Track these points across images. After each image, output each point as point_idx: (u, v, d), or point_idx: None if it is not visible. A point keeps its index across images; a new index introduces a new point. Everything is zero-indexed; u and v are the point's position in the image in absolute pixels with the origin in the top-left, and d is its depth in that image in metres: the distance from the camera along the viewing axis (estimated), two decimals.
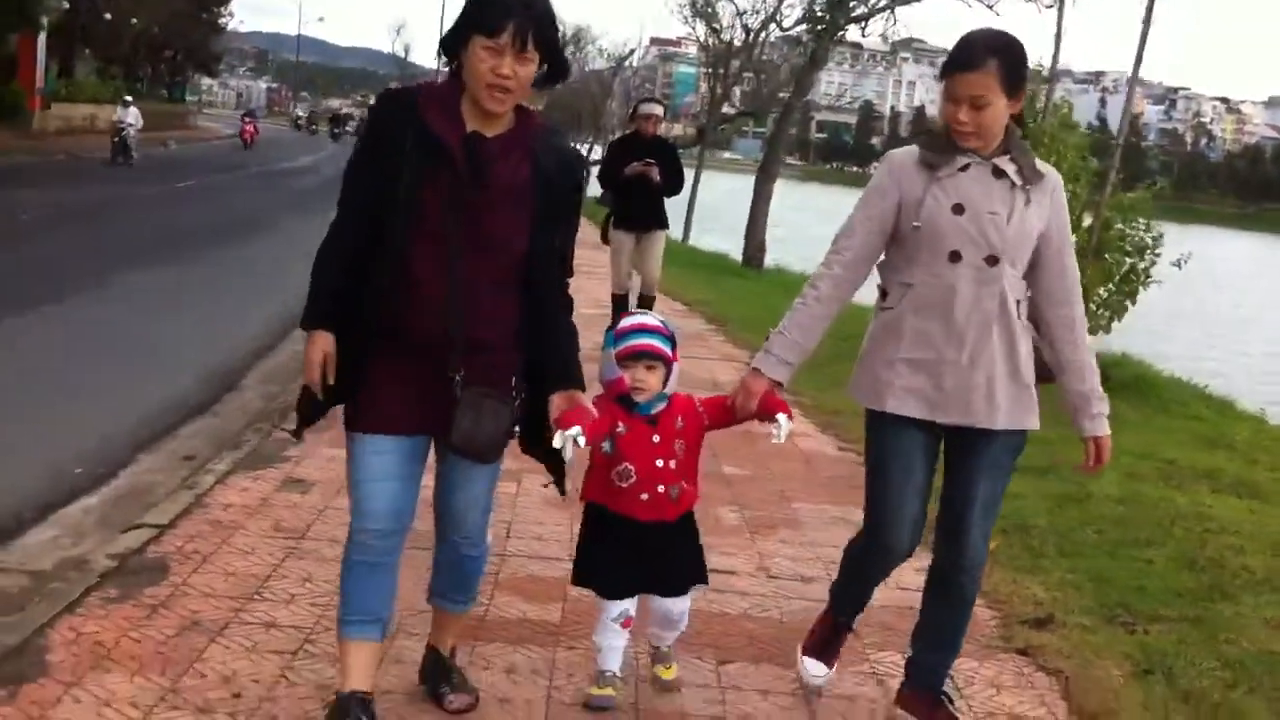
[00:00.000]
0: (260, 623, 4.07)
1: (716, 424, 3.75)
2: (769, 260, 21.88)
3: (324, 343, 3.19)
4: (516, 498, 5.63)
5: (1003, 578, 5.13)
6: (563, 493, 3.53)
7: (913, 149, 3.67)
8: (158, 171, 29.54)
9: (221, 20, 76.63)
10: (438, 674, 3.63)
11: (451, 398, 3.14)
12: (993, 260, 3.49)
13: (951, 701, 3.84)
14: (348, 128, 64.84)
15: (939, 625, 3.77)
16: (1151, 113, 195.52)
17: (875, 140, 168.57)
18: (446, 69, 3.26)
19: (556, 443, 3.20)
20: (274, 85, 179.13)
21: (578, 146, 60.93)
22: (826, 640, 3.98)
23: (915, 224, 3.52)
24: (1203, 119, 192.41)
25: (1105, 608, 4.92)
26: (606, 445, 3.57)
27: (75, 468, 6.07)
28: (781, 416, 3.59)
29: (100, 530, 5.16)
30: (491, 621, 4.29)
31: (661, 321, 3.73)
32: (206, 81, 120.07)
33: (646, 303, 9.94)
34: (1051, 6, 18.55)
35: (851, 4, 21.26)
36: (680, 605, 3.77)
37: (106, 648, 3.78)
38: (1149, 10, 11.36)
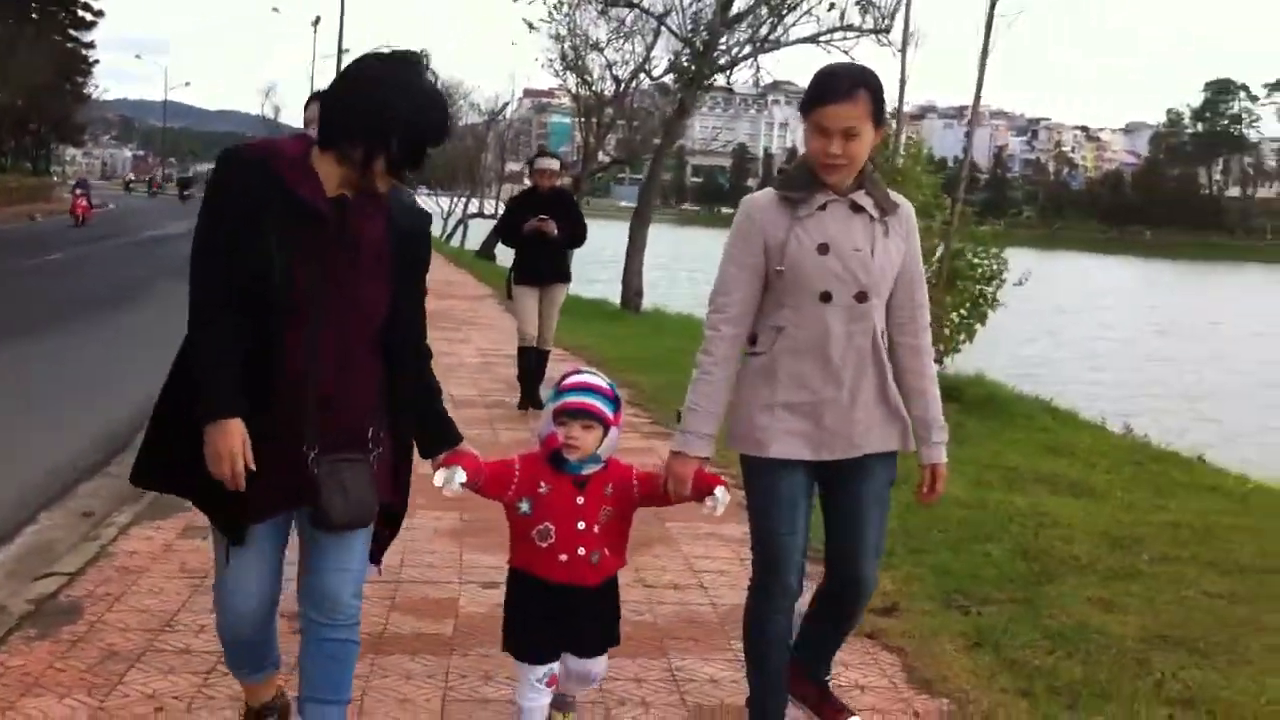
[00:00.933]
0: (175, 650, 4.43)
1: (650, 502, 3.68)
2: (646, 303, 22.48)
3: (239, 429, 2.97)
4: (406, 530, 6.01)
5: None
6: (376, 563, 3.43)
7: (769, 191, 3.66)
8: (32, 244, 29.23)
9: (86, 90, 75.79)
10: None
11: (308, 473, 3.05)
12: (862, 297, 3.53)
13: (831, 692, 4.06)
14: (190, 190, 62.84)
15: (825, 640, 3.95)
16: (1015, 144, 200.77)
17: (751, 181, 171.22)
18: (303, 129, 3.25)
19: (438, 480, 3.29)
20: (140, 152, 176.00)
21: (456, 200, 60.79)
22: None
23: (779, 267, 3.53)
24: (1064, 148, 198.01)
25: (945, 594, 5.49)
26: (524, 506, 3.52)
27: None
28: (719, 490, 3.57)
29: (11, 581, 5.45)
30: (389, 638, 4.69)
31: (609, 385, 3.62)
32: (70, 151, 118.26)
33: (541, 356, 10.22)
34: (901, 51, 19.50)
35: (715, 54, 22.00)
36: (596, 667, 3.75)
37: (34, 676, 4.13)
38: (985, 43, 12.21)
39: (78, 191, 42.59)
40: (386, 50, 3.09)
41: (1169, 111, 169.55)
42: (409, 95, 3.02)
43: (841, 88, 3.45)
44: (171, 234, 36.35)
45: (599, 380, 3.61)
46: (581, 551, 3.52)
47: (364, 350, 3.13)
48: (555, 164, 10.41)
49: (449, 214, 56.11)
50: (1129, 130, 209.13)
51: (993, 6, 11.88)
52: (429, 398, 3.37)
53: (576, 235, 10.10)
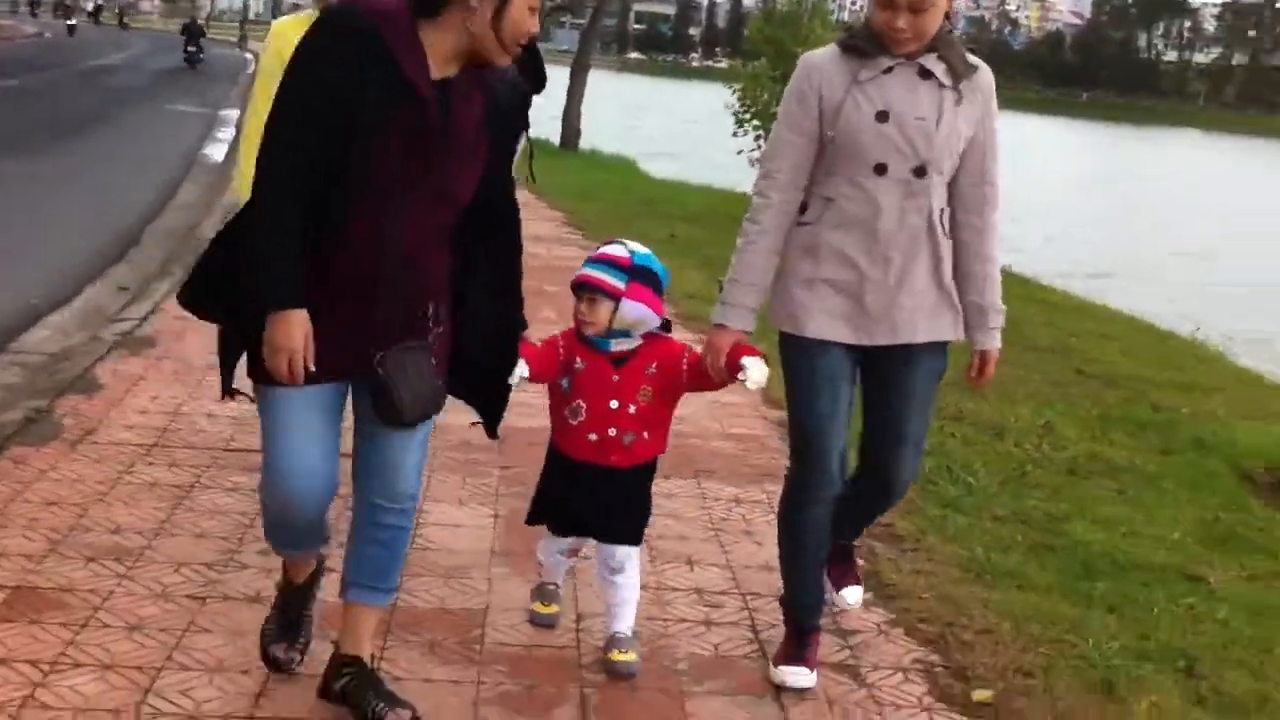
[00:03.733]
0: None
1: (695, 386, 3.48)
2: (584, 143, 23.87)
3: (302, 321, 2.71)
4: None
5: None
6: (493, 435, 3.17)
7: (831, 49, 3.38)
8: None
9: None
10: (365, 687, 3.05)
11: (369, 356, 2.80)
12: (921, 171, 3.26)
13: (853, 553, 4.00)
14: (199, 48, 38.73)
15: (849, 512, 3.66)
16: (959, 1, 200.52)
17: (693, 30, 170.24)
18: None
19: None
20: None
21: None
22: (800, 646, 3.54)
23: (830, 132, 3.29)
24: (1008, 7, 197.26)
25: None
26: (565, 382, 3.40)
27: (33, 299, 7.79)
28: (747, 359, 3.29)
29: (89, 324, 7.10)
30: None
31: (629, 253, 3.39)
32: None
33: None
34: None
35: None
36: (616, 555, 3.49)
37: (137, 375, 5.83)
38: None
39: None
40: None
41: None
42: None
43: None
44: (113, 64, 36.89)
45: (616, 250, 3.41)
46: (613, 432, 3.38)
47: (444, 233, 2.90)
48: None
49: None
50: None
51: None
52: (519, 283, 3.13)
53: (540, 82, 11.21)
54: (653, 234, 11.74)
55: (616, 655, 3.46)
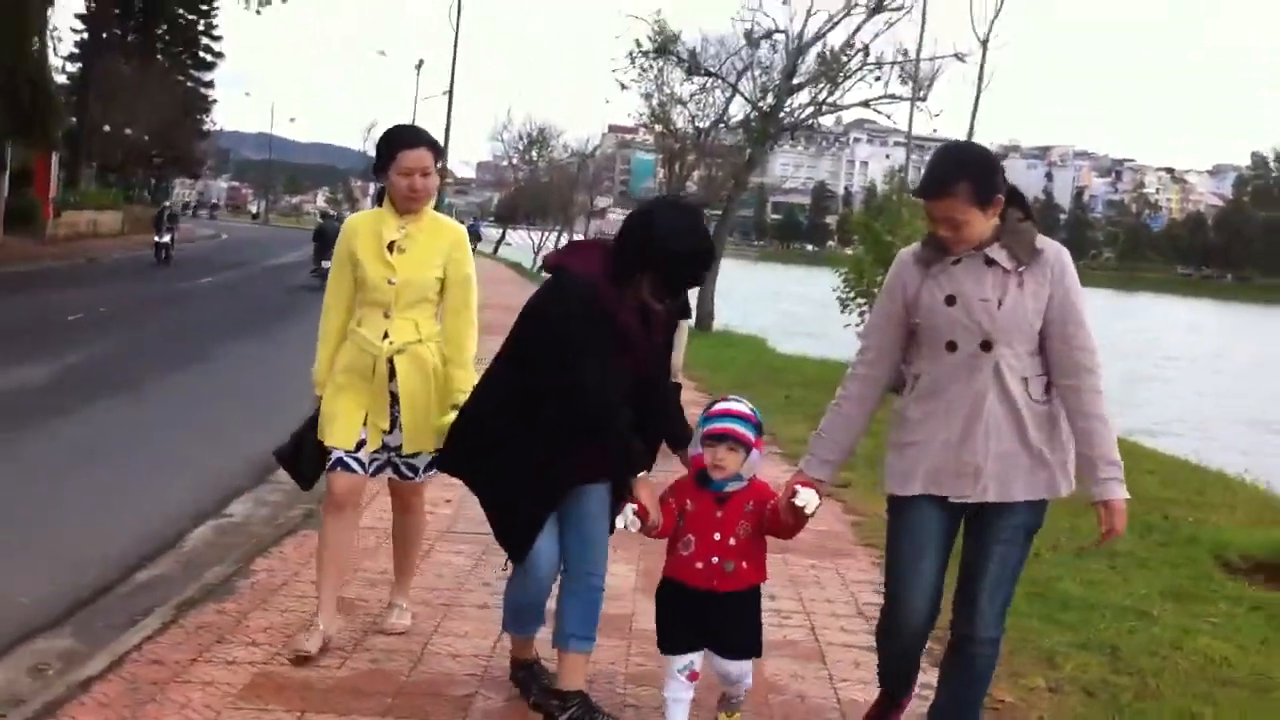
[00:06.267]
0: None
1: (771, 529, 3.98)
2: (716, 324, 26.11)
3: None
4: None
5: None
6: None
7: (915, 246, 3.90)
8: (178, 271, 33.15)
9: (204, 126, 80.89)
10: (589, 710, 4.17)
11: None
12: (987, 346, 3.67)
13: None
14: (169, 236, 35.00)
15: (952, 696, 3.98)
16: (1098, 185, 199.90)
17: (829, 219, 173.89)
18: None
19: (619, 522, 3.98)
20: (234, 183, 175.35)
21: (547, 234, 63.52)
22: (880, 715, 4.23)
23: (915, 320, 3.79)
24: (1148, 189, 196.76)
25: None
26: (681, 521, 4.01)
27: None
28: (799, 488, 3.84)
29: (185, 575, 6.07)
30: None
31: (751, 410, 3.98)
32: (180, 181, 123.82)
33: (675, 387, 12.53)
34: (938, 116, 23.22)
35: (781, 115, 25.71)
36: (734, 669, 4.09)
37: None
38: (980, 73, 15.62)
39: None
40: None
41: (1253, 154, 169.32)
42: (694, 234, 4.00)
43: (938, 185, 3.67)
44: (287, 262, 40.12)
45: (742, 406, 3.99)
46: (715, 560, 3.92)
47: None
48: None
49: (540, 246, 59.75)
50: (1215, 172, 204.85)
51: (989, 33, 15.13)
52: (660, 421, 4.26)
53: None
54: (772, 395, 13.67)
55: (724, 716, 4.26)
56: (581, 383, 3.91)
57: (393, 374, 4.78)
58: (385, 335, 4.77)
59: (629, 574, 6.23)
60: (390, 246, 4.76)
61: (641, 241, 3.93)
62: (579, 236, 66.19)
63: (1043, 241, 3.74)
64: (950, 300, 3.71)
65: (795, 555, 6.85)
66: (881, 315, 3.95)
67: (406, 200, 4.77)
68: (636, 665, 4.94)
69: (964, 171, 3.64)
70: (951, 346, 3.71)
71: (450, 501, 7.35)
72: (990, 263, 3.70)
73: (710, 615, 3.97)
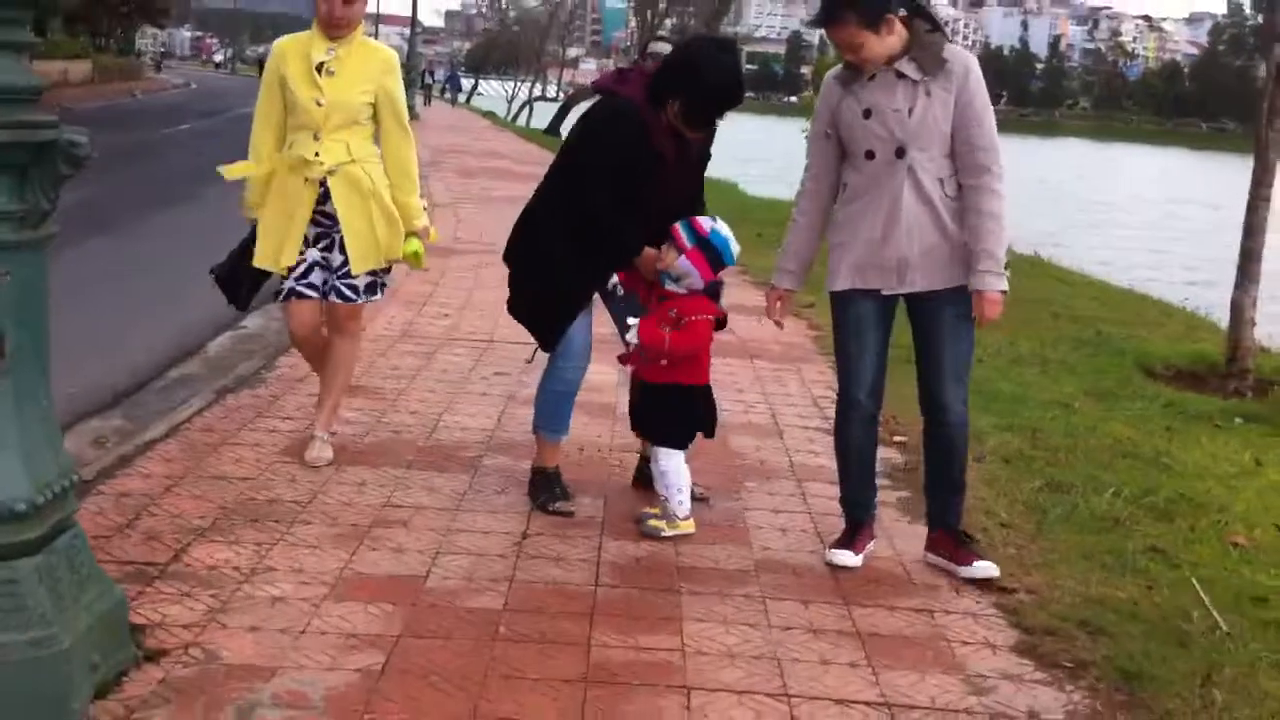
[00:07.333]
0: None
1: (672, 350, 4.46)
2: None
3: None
4: None
5: None
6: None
7: (837, 69, 4.25)
8: (154, 118, 33.30)
9: None
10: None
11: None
12: (901, 152, 4.04)
13: (973, 539, 4.42)
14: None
15: (938, 471, 4.36)
16: (1075, 33, 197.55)
17: (805, 70, 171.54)
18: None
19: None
20: (198, 33, 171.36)
21: (519, 85, 63.00)
22: (851, 537, 4.39)
23: (828, 131, 4.20)
24: (1125, 38, 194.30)
25: None
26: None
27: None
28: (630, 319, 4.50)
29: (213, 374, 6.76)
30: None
31: (711, 230, 4.35)
32: (146, 32, 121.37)
33: None
34: None
35: None
36: (660, 461, 4.55)
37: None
38: None
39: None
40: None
41: (1229, 1, 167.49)
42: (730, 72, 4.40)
43: (823, 16, 4.13)
44: None
45: (704, 221, 4.38)
46: (644, 353, 4.44)
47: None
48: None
49: (512, 97, 59.51)
50: (1192, 20, 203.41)
51: None
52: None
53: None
54: (743, 234, 14.24)
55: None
56: (608, 203, 4.40)
57: (328, 196, 4.84)
58: (316, 156, 4.81)
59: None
60: (319, 69, 4.80)
61: (682, 69, 4.35)
62: (551, 88, 65.88)
63: (949, 51, 4.07)
64: (867, 113, 4.08)
65: (763, 361, 7.67)
66: (814, 133, 4.33)
67: (325, 25, 4.81)
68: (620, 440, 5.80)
69: (847, 2, 4.03)
70: (870, 155, 4.10)
71: (449, 316, 8.13)
72: (900, 76, 4.05)
73: (643, 402, 4.60)
